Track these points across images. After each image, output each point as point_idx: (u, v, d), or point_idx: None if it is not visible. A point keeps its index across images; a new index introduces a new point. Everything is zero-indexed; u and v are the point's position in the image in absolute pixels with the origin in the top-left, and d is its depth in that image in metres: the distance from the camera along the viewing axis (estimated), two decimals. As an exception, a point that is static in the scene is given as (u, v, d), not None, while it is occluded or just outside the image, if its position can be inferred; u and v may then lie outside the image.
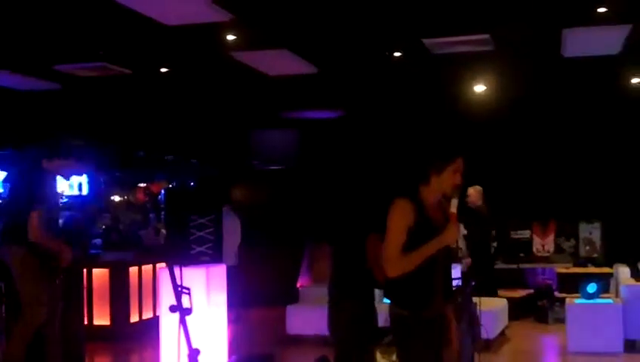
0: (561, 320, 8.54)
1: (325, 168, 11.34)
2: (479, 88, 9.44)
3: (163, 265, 7.55)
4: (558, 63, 8.05)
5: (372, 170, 10.95)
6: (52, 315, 5.19)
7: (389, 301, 3.63)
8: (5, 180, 10.99)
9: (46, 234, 5.09)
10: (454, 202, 3.52)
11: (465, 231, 8.76)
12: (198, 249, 6.01)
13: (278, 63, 8.04)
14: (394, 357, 4.90)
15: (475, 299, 5.69)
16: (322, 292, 9.94)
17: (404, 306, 3.51)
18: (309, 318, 8.13)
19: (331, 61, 8.14)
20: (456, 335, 3.67)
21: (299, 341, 8.16)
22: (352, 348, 4.78)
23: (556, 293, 9.70)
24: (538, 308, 9.60)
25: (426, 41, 7.19)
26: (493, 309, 7.70)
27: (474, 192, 8.93)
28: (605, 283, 8.64)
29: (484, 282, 7.67)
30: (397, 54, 7.89)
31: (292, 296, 9.14)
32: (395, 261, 3.46)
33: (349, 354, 4.79)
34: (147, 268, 8.97)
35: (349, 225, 4.95)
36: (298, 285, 10.17)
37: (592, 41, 7.22)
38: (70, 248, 5.24)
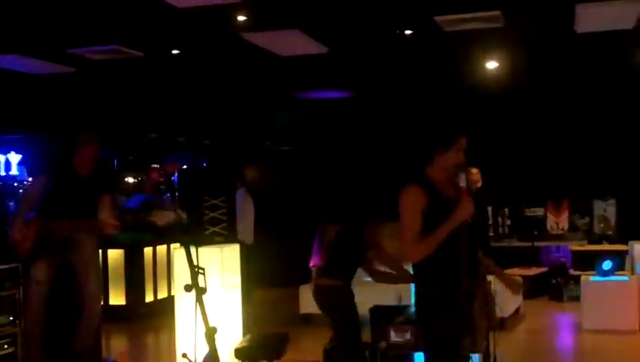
0: (575, 298, 8.55)
1: (336, 148, 11.34)
2: (491, 65, 9.38)
3: (177, 245, 7.61)
4: (570, 39, 7.96)
5: (383, 150, 10.94)
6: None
7: (415, 282, 3.67)
8: (20, 163, 11.09)
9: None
10: (462, 177, 3.53)
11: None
12: (212, 229, 6.04)
13: (289, 44, 8.01)
14: (408, 336, 4.94)
15: (489, 278, 5.70)
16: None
17: (434, 287, 3.52)
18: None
19: (342, 40, 8.10)
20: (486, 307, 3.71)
21: (311, 320, 8.23)
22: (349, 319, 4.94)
23: (571, 271, 9.69)
24: (553, 285, 9.60)
25: (437, 18, 7.14)
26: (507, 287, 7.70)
27: (477, 172, 8.47)
28: (620, 261, 8.62)
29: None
30: (408, 32, 7.84)
31: (304, 277, 9.17)
32: (414, 246, 3.46)
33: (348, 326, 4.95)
34: (162, 249, 9.06)
35: (355, 205, 5.05)
36: (310, 265, 10.21)
37: (605, 16, 7.13)
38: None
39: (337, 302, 5.04)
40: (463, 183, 3.57)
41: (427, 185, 3.50)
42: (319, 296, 5.16)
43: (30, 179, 5.30)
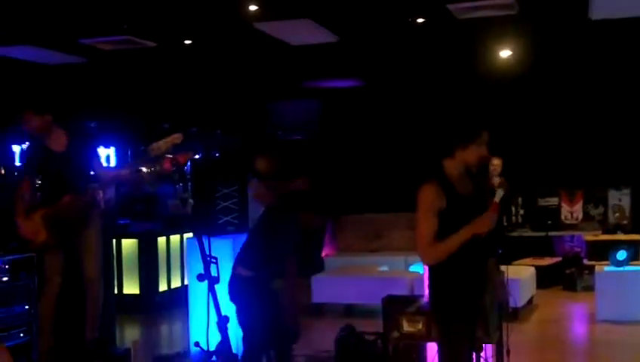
0: (589, 288, 8.49)
1: (348, 138, 11.31)
2: (505, 54, 9.30)
3: (190, 234, 7.64)
4: (585, 26, 7.88)
5: (394, 140, 10.90)
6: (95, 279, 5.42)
7: (423, 271, 3.66)
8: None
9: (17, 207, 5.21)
10: (500, 192, 3.48)
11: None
12: (224, 219, 6.06)
13: (301, 33, 7.99)
14: (420, 326, 4.93)
15: (502, 267, 5.67)
16: (346, 261, 10.00)
17: (446, 277, 3.51)
18: (333, 287, 8.21)
19: (354, 29, 8.06)
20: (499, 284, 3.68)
21: (323, 309, 8.24)
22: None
23: (585, 261, 9.62)
24: (566, 276, 9.54)
25: (450, 5, 7.08)
26: (521, 277, 7.68)
27: (498, 163, 8.15)
28: (635, 251, 8.52)
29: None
30: (420, 20, 7.79)
31: (316, 266, 9.20)
32: (428, 250, 3.43)
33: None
34: (175, 238, 9.10)
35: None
36: (323, 255, 10.22)
37: (620, 3, 7.05)
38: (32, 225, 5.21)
39: (244, 296, 4.47)
40: (497, 199, 3.47)
41: (445, 182, 3.45)
42: (228, 286, 4.50)
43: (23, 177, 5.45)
